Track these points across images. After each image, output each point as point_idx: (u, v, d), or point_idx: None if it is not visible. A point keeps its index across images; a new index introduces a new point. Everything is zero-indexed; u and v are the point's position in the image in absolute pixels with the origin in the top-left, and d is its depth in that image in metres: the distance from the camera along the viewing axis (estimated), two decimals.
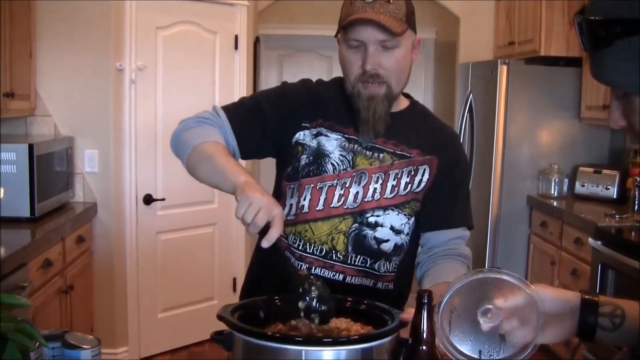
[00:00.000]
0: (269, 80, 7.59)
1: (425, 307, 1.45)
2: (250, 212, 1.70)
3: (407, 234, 2.18)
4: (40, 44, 4.62)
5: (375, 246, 2.14)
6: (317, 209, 2.12)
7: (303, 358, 1.51)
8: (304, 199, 2.13)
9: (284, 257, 2.00)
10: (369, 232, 2.13)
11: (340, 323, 1.77)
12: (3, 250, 3.45)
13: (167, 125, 4.88)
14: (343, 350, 1.54)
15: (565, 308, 1.52)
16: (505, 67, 5.64)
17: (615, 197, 5.22)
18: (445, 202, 2.21)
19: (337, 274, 2.13)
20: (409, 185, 2.14)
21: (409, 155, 2.15)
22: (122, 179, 4.87)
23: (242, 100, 2.27)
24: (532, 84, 5.69)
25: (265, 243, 1.73)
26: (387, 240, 2.15)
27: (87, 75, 4.71)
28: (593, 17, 1.28)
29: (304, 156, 2.14)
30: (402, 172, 2.14)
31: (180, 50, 5.10)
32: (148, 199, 4.97)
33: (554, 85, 5.68)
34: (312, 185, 2.12)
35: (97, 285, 4.80)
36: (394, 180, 2.13)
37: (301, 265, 2.13)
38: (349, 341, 1.59)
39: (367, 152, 2.12)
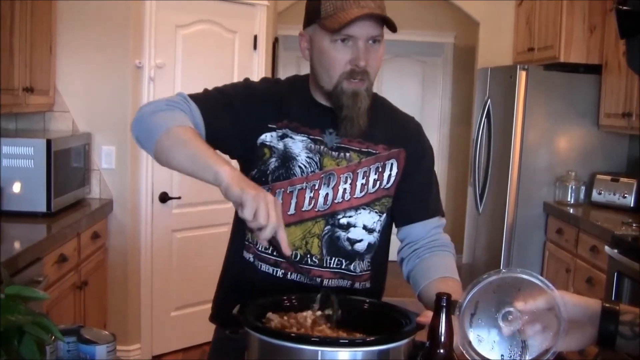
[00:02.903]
0: None
1: (444, 309, 1.44)
2: (262, 213, 1.63)
3: (379, 231, 2.15)
4: (60, 40, 4.64)
5: (349, 247, 2.11)
6: (289, 213, 2.06)
7: (319, 358, 1.50)
8: None
9: (253, 267, 2.02)
10: (341, 233, 2.09)
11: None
12: (19, 245, 3.46)
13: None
14: (359, 351, 1.53)
15: (586, 315, 1.51)
16: (524, 73, 5.62)
17: (632, 205, 5.18)
18: (419, 193, 2.18)
19: (315, 279, 2.07)
20: (378, 182, 2.10)
21: (375, 152, 2.10)
22: (139, 177, 4.88)
23: (208, 91, 2.15)
24: (551, 91, 5.67)
25: (287, 249, 1.69)
26: (360, 240, 2.11)
27: (106, 71, 4.72)
28: (621, 7, 1.30)
29: (273, 159, 2.07)
30: (370, 169, 2.09)
31: (200, 49, 5.10)
32: (164, 197, 4.97)
33: (573, 92, 5.65)
34: (283, 189, 2.06)
35: (111, 282, 4.81)
36: (362, 178, 2.08)
37: (276, 271, 2.09)
38: (365, 343, 1.58)
39: (334, 153, 2.07)
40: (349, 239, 2.10)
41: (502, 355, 1.50)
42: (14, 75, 3.93)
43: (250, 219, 1.65)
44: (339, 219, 2.08)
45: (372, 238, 2.13)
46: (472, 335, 1.50)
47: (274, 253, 2.04)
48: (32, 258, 3.44)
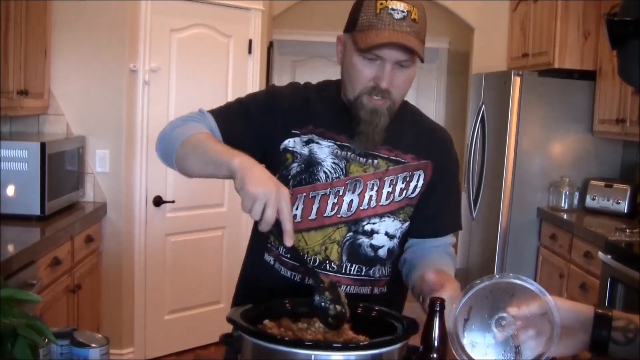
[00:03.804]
0: None
1: (437, 314, 1.44)
2: (257, 209, 1.65)
3: (399, 237, 2.15)
4: (55, 43, 4.64)
5: (372, 253, 2.11)
6: (310, 218, 2.07)
7: None
8: (296, 209, 2.07)
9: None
10: (364, 240, 2.09)
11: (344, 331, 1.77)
12: (12, 248, 3.46)
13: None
14: (352, 355, 1.53)
15: (578, 321, 1.51)
16: (518, 79, 5.63)
17: (626, 211, 5.19)
18: (437, 210, 2.17)
19: None
20: (404, 192, 2.10)
21: (403, 160, 2.10)
22: (133, 180, 4.87)
23: (229, 103, 2.19)
24: (545, 96, 5.68)
25: (289, 241, 1.70)
26: (382, 247, 2.11)
27: (101, 75, 4.72)
28: (612, 17, 1.30)
29: (295, 164, 2.08)
30: (397, 178, 2.09)
31: (194, 52, 5.10)
32: (158, 201, 4.97)
33: (567, 98, 5.66)
34: (305, 194, 2.07)
35: (105, 286, 4.80)
36: (389, 186, 2.08)
37: (294, 276, 2.10)
38: (358, 347, 1.57)
39: (361, 159, 2.07)
40: (371, 245, 2.10)
41: None
42: (8, 78, 3.92)
43: (245, 212, 1.67)
44: (363, 226, 2.08)
45: (392, 244, 2.13)
46: (466, 340, 1.50)
47: (292, 258, 2.07)
48: (26, 261, 3.43)
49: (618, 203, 5.25)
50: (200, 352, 5.28)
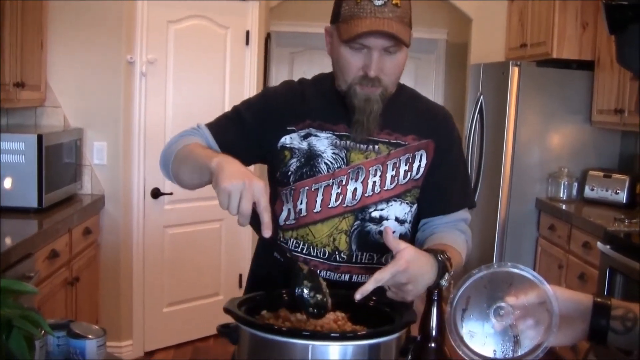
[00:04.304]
0: (280, 78, 7.53)
1: (435, 303, 1.44)
2: (233, 204, 1.65)
3: (410, 222, 2.14)
4: (51, 35, 4.62)
5: (381, 240, 2.03)
6: (315, 211, 2.07)
7: (309, 352, 1.50)
8: (301, 203, 2.07)
9: (284, 252, 1.96)
10: (372, 227, 2.08)
11: (336, 318, 1.76)
12: (10, 240, 3.45)
13: (177, 119, 4.88)
14: (350, 345, 1.53)
15: (577, 310, 1.51)
16: (516, 69, 5.61)
17: (624, 201, 5.19)
18: (443, 186, 2.16)
19: (343, 275, 2.07)
20: (409, 173, 2.09)
21: (404, 142, 2.09)
22: (131, 172, 4.86)
23: (224, 113, 2.22)
24: (543, 87, 5.67)
25: (267, 232, 1.68)
26: (393, 233, 2.07)
27: (98, 67, 4.70)
28: (610, 1, 1.29)
29: (294, 160, 2.08)
30: (400, 160, 2.08)
31: (192, 44, 5.09)
32: (156, 193, 4.96)
33: (565, 89, 5.65)
34: (307, 187, 2.07)
35: (103, 278, 4.80)
36: (392, 170, 2.07)
37: None
38: (356, 337, 1.57)
39: (361, 146, 2.06)
40: (381, 232, 2.07)
41: (494, 350, 1.50)
42: (4, 71, 3.91)
43: (224, 209, 1.67)
44: (370, 213, 2.07)
45: (404, 229, 2.12)
46: (464, 330, 1.49)
47: (304, 251, 2.08)
48: (24, 253, 3.43)
49: (617, 193, 5.25)
50: (199, 345, 5.28)
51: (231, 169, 1.73)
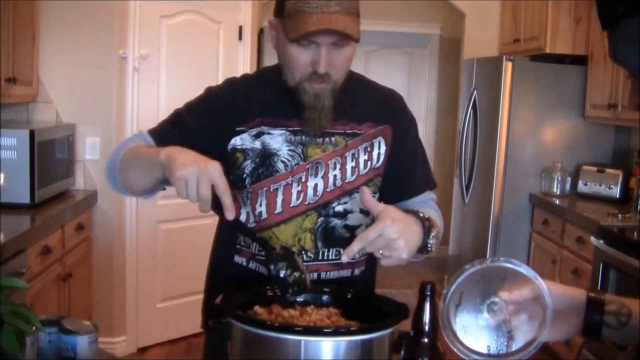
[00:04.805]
0: None
1: (428, 298, 1.43)
2: (191, 190, 1.62)
3: None
4: (43, 30, 4.60)
5: (347, 234, 2.03)
6: (276, 212, 1.99)
7: (302, 348, 1.49)
8: (260, 205, 2.00)
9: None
10: (337, 222, 2.02)
11: (329, 314, 1.75)
12: (2, 236, 3.43)
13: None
14: (342, 341, 1.52)
15: (571, 305, 1.50)
16: (510, 64, 5.61)
17: (618, 196, 5.19)
18: (406, 170, 2.12)
19: (311, 274, 1.99)
20: (369, 163, 2.04)
21: (360, 131, 2.03)
22: None
23: (166, 118, 2.12)
24: (537, 82, 5.67)
25: (230, 214, 1.66)
26: (359, 226, 2.04)
27: (90, 62, 4.68)
28: None
29: (248, 162, 2.00)
30: (358, 150, 2.02)
31: (184, 39, 5.08)
32: None
33: (559, 83, 5.65)
34: (266, 188, 1.99)
35: (96, 274, 4.79)
36: (352, 161, 2.02)
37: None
38: (348, 332, 1.57)
39: (318, 140, 1.99)
40: (346, 226, 2.03)
41: (488, 346, 1.49)
42: None
43: (184, 198, 1.65)
44: (333, 208, 2.02)
45: (369, 221, 2.03)
46: (458, 326, 1.48)
47: (263, 252, 1.97)
48: (16, 249, 3.41)
49: (610, 188, 5.25)
50: (193, 340, 5.27)
51: (183, 157, 1.68)
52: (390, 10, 8.03)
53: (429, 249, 1.81)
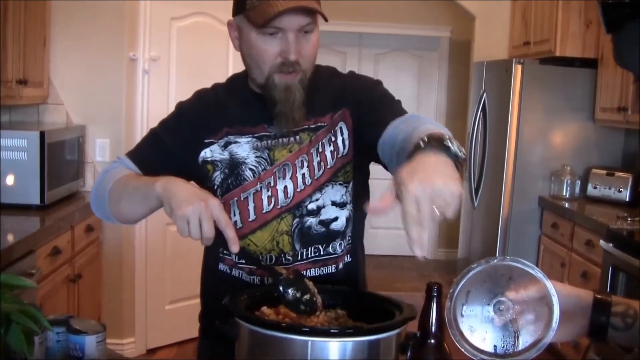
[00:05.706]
0: None
1: (435, 299, 1.43)
2: (193, 230, 1.62)
3: (350, 202, 2.04)
4: (54, 32, 4.62)
5: (323, 229, 2.01)
6: (250, 220, 1.98)
7: (309, 348, 1.49)
8: (234, 215, 1.98)
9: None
10: (312, 220, 1.99)
11: (335, 315, 1.76)
12: (12, 237, 3.45)
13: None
14: (350, 341, 1.53)
15: (577, 306, 1.50)
16: (520, 67, 5.61)
17: (627, 200, 5.18)
18: (379, 106, 1.97)
19: None
20: (335, 153, 1.99)
21: (324, 124, 2.00)
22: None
23: (142, 138, 2.13)
24: (546, 85, 5.66)
25: (234, 247, 1.65)
26: (335, 219, 2.01)
27: (101, 64, 4.70)
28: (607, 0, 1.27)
29: (217, 173, 1.99)
30: (323, 144, 1.99)
31: (194, 41, 5.09)
32: None
33: (568, 86, 5.64)
34: (236, 198, 1.98)
35: (105, 275, 4.80)
36: (317, 157, 1.98)
37: (253, 280, 2.01)
38: (355, 333, 1.57)
39: (283, 140, 1.97)
40: (321, 222, 2.00)
41: (494, 345, 1.49)
42: (7, 68, 3.91)
43: (185, 237, 1.64)
44: (306, 207, 1.99)
45: (346, 212, 2.03)
46: (464, 325, 1.48)
47: (249, 262, 2.00)
48: (25, 250, 3.43)
49: (620, 191, 5.24)
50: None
51: (182, 193, 1.67)
52: (399, 12, 8.03)
53: (460, 155, 1.48)
